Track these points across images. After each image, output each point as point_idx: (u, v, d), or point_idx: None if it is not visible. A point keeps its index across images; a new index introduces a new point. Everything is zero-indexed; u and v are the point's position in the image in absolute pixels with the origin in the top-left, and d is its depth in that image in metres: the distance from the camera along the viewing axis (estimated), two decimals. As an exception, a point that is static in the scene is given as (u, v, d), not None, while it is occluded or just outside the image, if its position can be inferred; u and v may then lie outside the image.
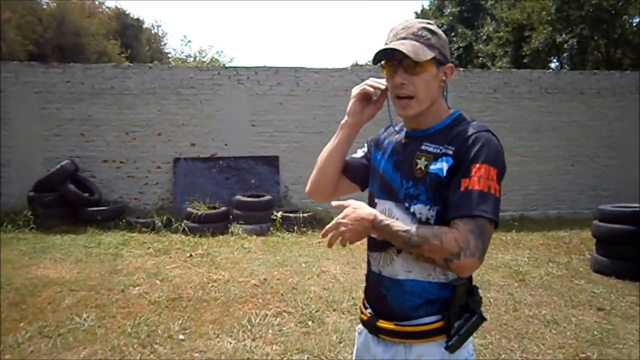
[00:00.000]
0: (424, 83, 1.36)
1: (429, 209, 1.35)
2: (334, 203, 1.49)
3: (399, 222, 1.32)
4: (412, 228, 1.29)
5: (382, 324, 1.43)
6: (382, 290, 1.44)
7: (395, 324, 1.39)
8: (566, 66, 18.56)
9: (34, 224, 7.57)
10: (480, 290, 1.43)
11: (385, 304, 1.43)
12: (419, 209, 1.37)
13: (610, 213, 5.58)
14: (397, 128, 1.55)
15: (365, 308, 1.53)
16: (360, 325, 1.56)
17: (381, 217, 1.35)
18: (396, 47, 1.32)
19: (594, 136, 9.44)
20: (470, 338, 1.39)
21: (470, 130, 1.34)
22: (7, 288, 4.80)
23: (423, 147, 1.40)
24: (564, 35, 17.27)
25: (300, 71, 8.94)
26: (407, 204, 1.39)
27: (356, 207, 1.38)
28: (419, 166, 1.38)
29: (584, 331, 3.89)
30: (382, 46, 1.37)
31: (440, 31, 1.40)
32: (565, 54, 18.50)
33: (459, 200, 1.26)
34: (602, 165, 9.48)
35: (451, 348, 1.31)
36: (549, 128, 9.40)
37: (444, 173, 1.32)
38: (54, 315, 4.13)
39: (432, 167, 1.35)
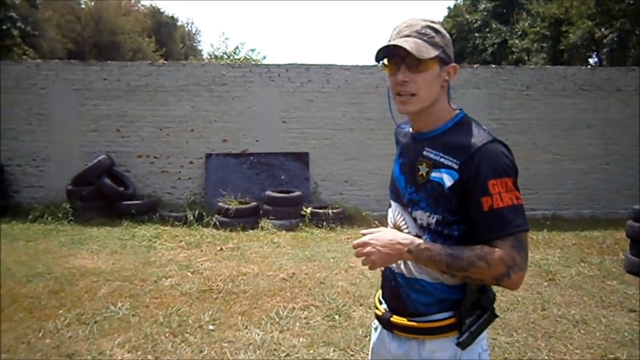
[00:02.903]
0: (426, 81, 1.34)
1: (429, 216, 1.35)
2: (362, 232, 1.46)
3: (439, 246, 1.31)
4: (455, 251, 1.28)
5: (396, 319, 1.45)
6: (395, 286, 1.47)
7: (409, 320, 1.41)
8: (605, 62, 18.03)
9: (72, 217, 7.83)
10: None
11: (399, 300, 1.45)
12: (419, 215, 1.38)
13: (645, 213, 5.45)
14: (404, 127, 1.55)
15: (380, 303, 1.55)
16: (376, 321, 1.58)
17: (419, 241, 1.34)
18: (399, 44, 1.31)
19: (631, 134, 9.15)
20: (484, 334, 1.40)
21: (476, 142, 1.30)
22: (47, 277, 5.02)
23: (425, 153, 1.39)
24: (603, 30, 16.77)
25: (330, 68, 8.96)
26: (409, 209, 1.41)
27: (390, 231, 1.41)
28: (420, 172, 1.38)
29: (614, 332, 3.83)
30: (385, 43, 1.36)
31: (444, 31, 1.38)
32: (605, 50, 17.97)
33: (489, 220, 1.26)
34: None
35: (462, 344, 1.32)
36: (584, 126, 9.18)
37: (447, 186, 1.31)
38: (91, 303, 4.30)
39: (433, 174, 1.35)
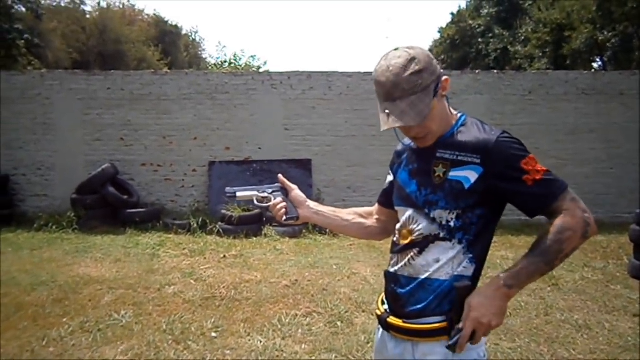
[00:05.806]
0: (434, 119, 1.40)
1: (449, 213, 1.39)
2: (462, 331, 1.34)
3: (521, 259, 1.33)
4: (537, 247, 1.32)
5: (392, 320, 1.48)
6: (397, 288, 1.48)
7: (404, 322, 1.44)
8: (609, 66, 17.99)
9: (76, 225, 7.88)
10: None
11: (399, 302, 1.47)
12: (439, 214, 1.41)
13: (648, 217, 5.43)
14: (402, 144, 1.63)
15: (382, 304, 1.57)
16: None
17: (503, 274, 1.33)
18: (401, 124, 1.35)
19: (634, 138, 9.10)
20: (483, 340, 1.40)
21: (491, 137, 1.37)
22: (52, 285, 5.05)
23: (438, 155, 1.44)
24: (606, 34, 16.73)
25: (332, 75, 9.01)
26: (427, 210, 1.43)
27: (473, 297, 1.34)
28: (437, 174, 1.42)
29: (617, 337, 3.82)
30: (386, 124, 1.37)
31: (420, 55, 1.35)
32: (608, 53, 17.91)
33: (540, 191, 1.33)
34: (644, 167, 9.15)
35: (451, 348, 1.33)
36: (587, 130, 9.17)
37: (471, 181, 1.37)
38: (95, 311, 4.32)
39: (453, 173, 1.39)
